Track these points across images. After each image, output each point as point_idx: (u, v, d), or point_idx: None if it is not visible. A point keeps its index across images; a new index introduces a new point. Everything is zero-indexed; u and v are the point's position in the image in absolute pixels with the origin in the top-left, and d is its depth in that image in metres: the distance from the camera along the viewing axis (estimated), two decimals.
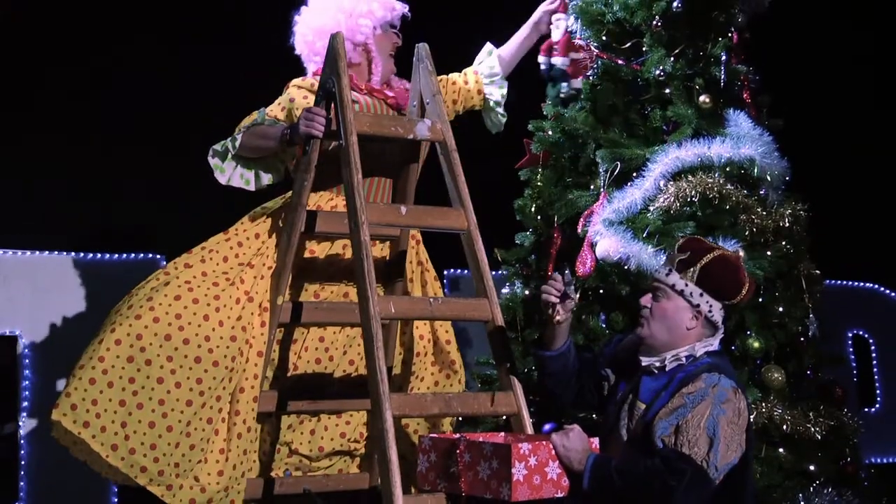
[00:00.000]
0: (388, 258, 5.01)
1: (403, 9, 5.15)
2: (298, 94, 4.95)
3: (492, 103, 5.38)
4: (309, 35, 5.05)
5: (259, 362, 4.65)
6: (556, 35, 5.55)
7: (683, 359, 4.12)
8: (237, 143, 4.83)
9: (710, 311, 4.14)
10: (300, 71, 5.13)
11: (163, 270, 4.76)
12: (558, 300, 4.24)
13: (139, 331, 4.48)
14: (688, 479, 3.88)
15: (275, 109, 4.95)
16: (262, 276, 4.73)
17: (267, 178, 4.98)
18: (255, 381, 4.65)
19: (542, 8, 5.54)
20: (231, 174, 4.92)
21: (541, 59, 5.64)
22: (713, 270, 4.14)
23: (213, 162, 4.92)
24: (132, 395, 4.47)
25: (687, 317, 4.13)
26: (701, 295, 4.12)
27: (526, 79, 5.69)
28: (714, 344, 4.17)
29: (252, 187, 4.98)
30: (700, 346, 4.14)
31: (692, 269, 4.15)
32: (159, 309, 4.52)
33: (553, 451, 4.01)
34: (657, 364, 4.15)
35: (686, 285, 4.14)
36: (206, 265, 4.73)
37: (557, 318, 4.26)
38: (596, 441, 4.10)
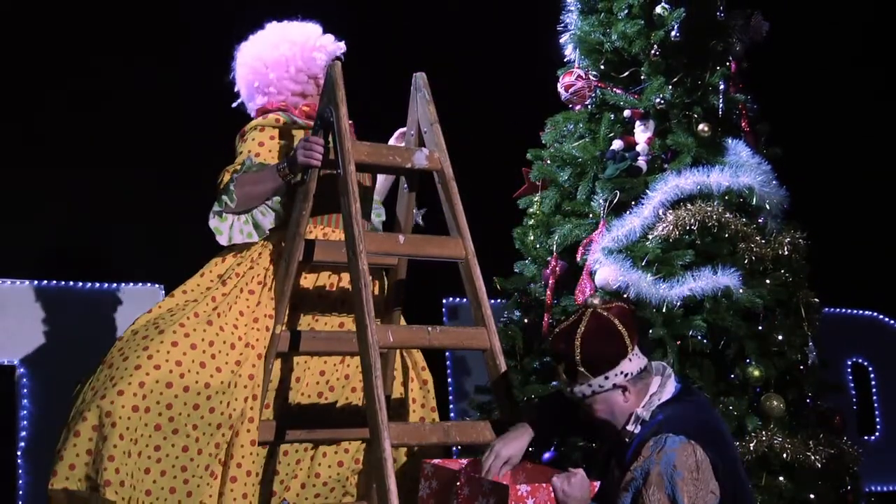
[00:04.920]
0: (385, 287, 4.99)
1: (343, 48, 5.06)
2: (264, 136, 4.86)
3: None
4: (262, 68, 4.95)
5: (255, 405, 4.61)
6: (641, 139, 5.44)
7: (636, 428, 4.01)
8: (234, 197, 4.72)
9: (625, 377, 4.01)
10: None
11: (146, 318, 4.67)
12: None
13: (141, 378, 4.42)
14: None
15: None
16: (255, 319, 4.70)
17: (268, 222, 4.81)
18: (251, 424, 4.59)
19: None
20: (229, 233, 4.79)
21: (617, 144, 5.49)
22: (589, 352, 3.99)
23: (214, 225, 4.78)
24: (132, 444, 4.42)
25: (619, 400, 4.02)
26: (606, 378, 3.99)
27: (525, 107, 5.68)
28: (659, 392, 4.05)
29: (255, 238, 4.81)
30: (643, 410, 4.02)
31: (579, 370, 4.00)
32: (158, 357, 4.46)
33: (552, 494, 3.96)
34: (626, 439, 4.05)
35: (589, 386, 4.01)
36: (199, 306, 4.67)
37: None
38: (598, 485, 4.04)
